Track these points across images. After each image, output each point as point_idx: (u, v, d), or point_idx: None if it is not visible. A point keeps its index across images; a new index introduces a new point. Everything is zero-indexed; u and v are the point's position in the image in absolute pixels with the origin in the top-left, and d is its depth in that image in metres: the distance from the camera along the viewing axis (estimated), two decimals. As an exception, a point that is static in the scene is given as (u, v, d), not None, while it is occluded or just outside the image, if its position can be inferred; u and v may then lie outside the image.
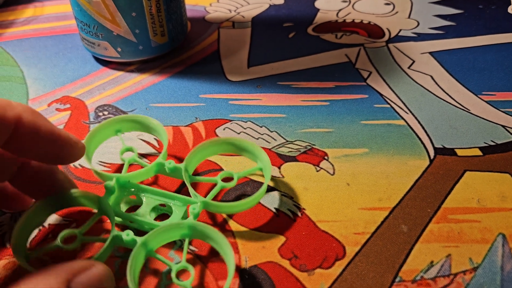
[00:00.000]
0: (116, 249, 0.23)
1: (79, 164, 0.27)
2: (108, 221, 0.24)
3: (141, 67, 0.35)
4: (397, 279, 0.21)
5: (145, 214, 0.23)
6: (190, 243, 0.23)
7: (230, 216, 0.24)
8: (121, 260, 0.22)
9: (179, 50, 0.36)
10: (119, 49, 0.33)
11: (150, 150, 0.28)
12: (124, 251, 0.23)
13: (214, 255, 0.22)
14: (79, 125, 0.30)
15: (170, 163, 0.24)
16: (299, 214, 0.24)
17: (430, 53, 0.35)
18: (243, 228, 0.23)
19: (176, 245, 0.23)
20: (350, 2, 0.42)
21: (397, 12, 0.41)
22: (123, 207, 0.24)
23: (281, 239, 0.23)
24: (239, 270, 0.22)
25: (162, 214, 0.24)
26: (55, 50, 0.37)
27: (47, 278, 0.18)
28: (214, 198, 0.24)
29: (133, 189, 0.24)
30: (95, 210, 0.23)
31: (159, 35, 0.33)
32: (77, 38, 0.39)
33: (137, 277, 0.20)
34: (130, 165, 0.26)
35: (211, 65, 0.35)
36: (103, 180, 0.24)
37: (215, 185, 0.24)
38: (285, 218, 0.24)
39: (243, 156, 0.26)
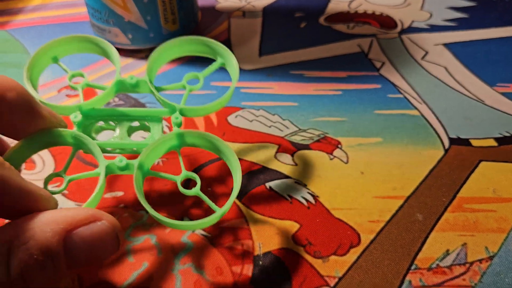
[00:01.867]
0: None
1: (90, 150, 0.27)
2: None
3: (152, 54, 0.34)
4: (413, 267, 0.21)
5: (123, 137, 0.22)
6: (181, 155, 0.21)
7: (244, 203, 0.24)
8: (133, 245, 0.22)
9: (190, 38, 0.36)
10: (129, 36, 0.33)
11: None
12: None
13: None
14: (90, 111, 0.30)
15: (132, 78, 0.22)
16: (313, 201, 0.24)
17: (444, 44, 0.35)
18: (256, 215, 0.23)
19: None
20: (361, -7, 0.42)
21: (409, 4, 0.40)
22: (95, 137, 0.22)
23: (295, 226, 0.23)
24: (253, 257, 0.21)
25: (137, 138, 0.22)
26: (64, 37, 0.37)
27: (43, 229, 0.16)
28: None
29: (100, 116, 0.22)
30: (67, 146, 0.21)
31: (171, 22, 0.33)
32: (85, 26, 0.38)
33: (143, 198, 0.19)
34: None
35: (222, 54, 0.34)
36: (64, 114, 0.22)
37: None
38: (299, 205, 0.24)
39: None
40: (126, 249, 0.22)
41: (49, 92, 0.31)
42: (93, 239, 0.16)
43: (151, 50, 0.34)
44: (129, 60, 0.34)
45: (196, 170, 0.25)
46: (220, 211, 0.18)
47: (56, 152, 0.27)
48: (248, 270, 0.21)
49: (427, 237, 0.22)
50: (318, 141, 0.27)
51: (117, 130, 0.22)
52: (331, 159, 0.26)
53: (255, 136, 0.27)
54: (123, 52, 0.35)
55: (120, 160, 0.20)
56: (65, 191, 0.24)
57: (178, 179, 0.20)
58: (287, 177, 0.25)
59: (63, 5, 0.41)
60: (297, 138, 0.27)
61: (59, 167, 0.26)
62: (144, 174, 0.20)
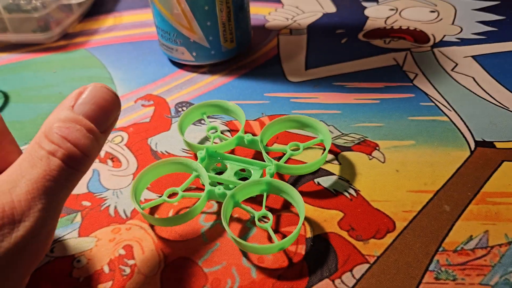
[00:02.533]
0: (202, 218, 0.28)
1: (165, 151, 0.32)
2: (199, 184, 0.30)
3: (212, 69, 0.40)
4: (440, 249, 0.25)
5: (229, 177, 0.28)
6: (267, 197, 0.28)
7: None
8: (206, 228, 0.27)
9: (245, 54, 0.41)
10: (194, 54, 0.38)
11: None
12: (208, 221, 0.27)
13: (285, 208, 0.28)
14: (163, 118, 0.35)
15: (249, 136, 0.30)
16: (355, 194, 0.28)
17: (473, 56, 0.39)
18: (307, 206, 0.28)
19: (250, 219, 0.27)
20: (397, 10, 0.46)
21: (441, 19, 0.44)
22: (211, 173, 0.29)
23: (340, 214, 0.27)
24: (305, 239, 0.26)
25: (242, 178, 0.29)
26: (135, 54, 0.43)
27: (59, 109, 0.20)
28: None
29: (219, 158, 0.30)
30: (191, 174, 0.28)
31: (229, 41, 0.38)
32: (153, 44, 0.44)
33: (228, 220, 0.25)
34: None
35: (273, 68, 0.39)
36: (193, 151, 0.31)
37: (284, 154, 0.30)
38: (343, 198, 0.28)
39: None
40: (201, 232, 0.27)
41: (128, 102, 0.37)
42: (97, 99, 0.21)
43: (212, 65, 0.40)
44: (193, 75, 0.39)
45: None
46: (280, 244, 0.24)
47: (138, 153, 0.32)
48: (301, 249, 0.26)
49: (453, 225, 0.26)
50: (358, 143, 0.32)
51: (228, 170, 0.29)
52: (370, 159, 0.30)
53: (305, 139, 0.32)
54: (188, 67, 0.40)
55: (219, 188, 0.26)
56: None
57: (256, 214, 0.26)
58: (332, 174, 0.30)
59: (133, 25, 0.48)
60: (340, 141, 0.32)
61: (141, 165, 0.31)
62: (234, 203, 0.26)
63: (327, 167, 0.30)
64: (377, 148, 0.31)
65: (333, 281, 0.24)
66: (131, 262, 0.26)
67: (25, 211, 0.18)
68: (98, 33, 0.47)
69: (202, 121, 0.34)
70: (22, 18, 0.45)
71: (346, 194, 0.28)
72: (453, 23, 0.43)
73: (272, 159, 0.28)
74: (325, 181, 0.29)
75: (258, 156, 0.31)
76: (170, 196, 0.27)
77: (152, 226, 0.27)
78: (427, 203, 0.27)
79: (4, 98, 0.39)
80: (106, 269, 0.25)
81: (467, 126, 0.32)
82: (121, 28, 0.48)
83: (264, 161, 0.29)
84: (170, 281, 0.24)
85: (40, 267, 0.26)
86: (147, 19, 0.49)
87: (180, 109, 0.36)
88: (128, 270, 0.25)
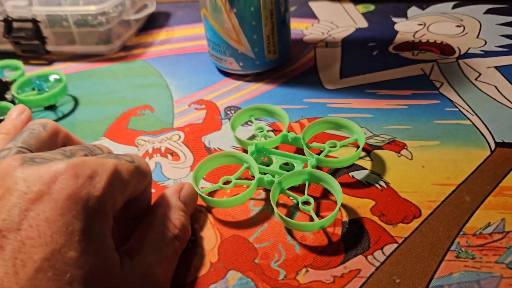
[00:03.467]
0: (252, 202, 0.32)
1: (217, 147, 0.37)
2: (249, 175, 0.34)
3: (256, 78, 0.45)
4: (461, 233, 0.29)
5: (275, 169, 0.33)
6: (308, 186, 0.32)
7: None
8: (255, 212, 0.32)
9: (286, 64, 0.46)
10: (241, 64, 0.43)
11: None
12: (257, 206, 0.32)
13: (324, 196, 0.32)
14: (214, 120, 0.40)
15: (292, 134, 0.34)
16: (385, 186, 0.32)
17: (496, 67, 0.42)
18: (343, 194, 0.32)
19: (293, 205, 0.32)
20: (425, 25, 0.50)
21: (467, 33, 0.48)
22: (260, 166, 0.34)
23: (372, 202, 0.31)
24: (341, 222, 0.30)
25: (286, 170, 0.33)
26: (187, 64, 0.48)
27: (172, 198, 0.29)
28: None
29: (266, 152, 0.34)
30: (241, 166, 0.33)
31: (272, 52, 0.43)
32: (203, 55, 0.49)
33: (275, 203, 0.30)
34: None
35: (311, 77, 0.44)
36: (244, 147, 0.35)
37: (322, 151, 0.34)
38: (375, 189, 0.32)
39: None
40: (251, 215, 0.31)
41: (183, 106, 0.42)
42: (190, 193, 0.30)
43: (256, 74, 0.45)
44: (239, 83, 0.44)
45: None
46: (320, 222, 0.28)
47: (194, 149, 0.37)
48: (338, 230, 0.30)
49: (473, 213, 0.30)
50: (388, 143, 0.35)
51: (273, 164, 0.33)
52: (399, 156, 0.34)
53: (338, 138, 0.36)
54: (234, 76, 0.45)
55: (267, 177, 0.31)
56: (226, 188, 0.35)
57: (300, 199, 0.30)
58: (365, 169, 0.34)
59: (184, 38, 0.53)
60: (372, 141, 0.36)
61: (197, 159, 0.36)
62: (280, 189, 0.31)
63: (360, 162, 0.34)
64: (405, 147, 0.35)
65: (366, 257, 0.28)
66: (192, 238, 0.30)
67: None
68: (153, 45, 0.53)
69: (249, 123, 0.39)
70: (88, 31, 0.51)
71: (377, 185, 0.32)
72: (477, 37, 0.47)
73: (313, 154, 0.33)
74: (359, 175, 0.33)
75: (299, 152, 0.35)
76: (224, 183, 0.32)
77: (209, 210, 0.32)
78: (450, 194, 0.31)
79: (74, 102, 0.45)
80: (171, 243, 0.30)
81: (488, 129, 0.36)
82: (174, 41, 0.53)
83: (306, 156, 0.33)
84: (226, 254, 0.29)
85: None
86: (196, 33, 0.54)
87: (229, 112, 0.41)
88: (190, 244, 0.30)
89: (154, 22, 0.58)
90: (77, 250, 0.20)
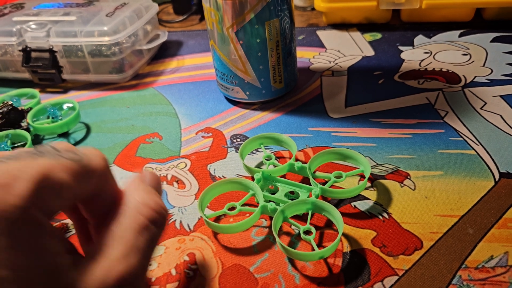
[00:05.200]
0: (254, 232, 0.32)
1: (222, 175, 0.38)
2: (254, 202, 0.34)
3: (262, 106, 0.45)
4: (463, 266, 0.28)
5: (280, 197, 0.33)
6: (312, 216, 0.32)
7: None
8: (257, 241, 0.32)
9: (291, 93, 0.47)
10: (247, 93, 0.44)
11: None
12: (258, 235, 0.32)
13: (327, 226, 0.32)
14: (220, 148, 0.41)
15: (298, 164, 0.35)
16: (387, 217, 0.32)
17: (501, 96, 0.42)
18: (345, 225, 0.32)
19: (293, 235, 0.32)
20: (431, 53, 0.50)
21: (473, 61, 0.48)
22: (265, 193, 0.34)
23: (373, 233, 0.31)
24: (342, 253, 0.30)
25: (291, 199, 0.34)
26: (196, 93, 0.50)
27: (139, 184, 0.25)
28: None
29: (272, 180, 0.35)
30: (247, 193, 0.34)
31: (278, 82, 0.44)
32: (211, 84, 0.51)
33: (277, 231, 0.30)
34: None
35: (316, 105, 0.44)
36: (251, 174, 0.36)
37: (326, 181, 0.34)
38: (376, 219, 0.32)
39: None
40: (253, 244, 0.32)
41: (190, 134, 0.43)
42: (153, 176, 0.26)
43: (262, 103, 0.46)
44: (246, 111, 0.45)
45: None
46: (320, 252, 0.28)
47: (199, 177, 0.38)
48: (339, 261, 0.30)
49: (476, 245, 0.29)
50: (392, 173, 0.36)
51: (279, 192, 0.34)
52: (401, 186, 0.34)
53: (343, 168, 0.36)
54: (241, 104, 0.46)
55: (271, 204, 0.32)
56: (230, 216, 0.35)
57: (302, 228, 0.30)
58: (367, 199, 0.34)
59: (194, 67, 0.55)
60: (375, 171, 0.36)
61: (202, 187, 0.37)
62: (283, 218, 0.31)
63: (363, 192, 0.34)
64: (408, 177, 0.35)
65: (366, 289, 0.28)
66: (194, 266, 0.31)
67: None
68: (164, 74, 0.54)
69: (255, 151, 0.40)
70: (102, 61, 0.52)
71: (380, 216, 0.32)
72: (484, 65, 0.47)
73: (318, 184, 0.33)
74: (361, 205, 0.33)
75: (305, 181, 0.36)
76: (229, 209, 0.32)
77: (212, 238, 0.32)
78: (453, 226, 0.31)
79: (86, 129, 0.46)
80: (173, 271, 0.30)
81: (492, 159, 0.35)
82: (184, 70, 0.55)
83: (311, 185, 0.34)
84: (226, 284, 0.29)
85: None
86: (206, 62, 0.56)
87: (235, 140, 0.41)
88: (191, 273, 0.30)
89: (166, 50, 0.60)
90: (8, 268, 0.18)
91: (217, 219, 0.34)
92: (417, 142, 0.38)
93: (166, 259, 0.31)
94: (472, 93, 0.43)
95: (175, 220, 0.34)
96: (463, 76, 0.46)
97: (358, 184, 0.35)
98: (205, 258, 0.31)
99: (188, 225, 0.34)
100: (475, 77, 0.45)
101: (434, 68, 0.47)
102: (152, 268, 0.31)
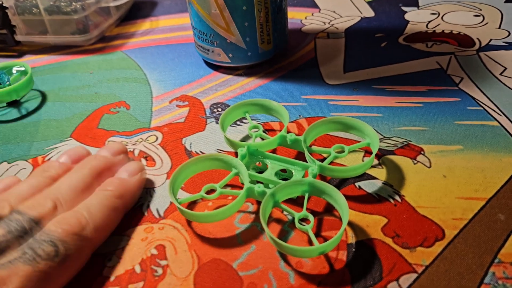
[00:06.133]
0: (237, 220, 0.26)
1: (200, 151, 0.32)
2: (238, 182, 0.29)
3: (248, 71, 0.39)
4: (496, 260, 0.23)
5: (269, 177, 0.27)
6: (308, 199, 0.26)
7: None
8: (242, 230, 0.26)
9: (281, 57, 0.40)
10: (230, 55, 0.38)
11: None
12: (244, 223, 0.26)
13: (327, 212, 0.26)
14: (197, 119, 0.35)
15: (291, 136, 0.29)
16: (399, 199, 0.27)
17: (523, 61, 0.37)
18: (351, 211, 0.26)
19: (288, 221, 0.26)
20: (439, 14, 0.44)
21: (487, 23, 0.42)
22: (251, 171, 0.28)
23: (384, 220, 0.26)
24: (346, 245, 0.25)
25: (283, 178, 0.28)
26: (171, 56, 0.43)
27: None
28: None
29: (260, 156, 0.28)
30: (230, 171, 0.28)
31: (266, 42, 0.37)
32: (189, 46, 0.44)
33: (266, 219, 0.24)
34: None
35: (310, 70, 0.38)
36: (234, 149, 0.30)
37: (325, 157, 0.29)
38: (386, 203, 0.26)
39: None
40: (237, 233, 0.26)
41: (162, 103, 0.37)
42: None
43: (248, 67, 0.39)
44: (229, 77, 0.39)
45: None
46: (321, 247, 0.23)
47: (172, 153, 0.32)
48: (343, 255, 0.24)
49: (509, 235, 0.24)
50: (402, 147, 0.30)
51: (268, 170, 0.28)
52: (414, 163, 0.29)
53: (344, 142, 0.31)
54: (223, 69, 0.40)
55: (259, 186, 0.25)
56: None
57: (297, 215, 0.24)
58: (374, 178, 0.28)
59: (170, 29, 0.48)
60: (382, 145, 0.30)
61: (175, 165, 0.31)
62: (273, 203, 0.25)
63: (369, 171, 0.29)
64: (422, 152, 0.29)
65: (377, 290, 0.22)
66: (163, 262, 0.25)
67: None
68: (135, 36, 0.47)
69: (239, 122, 0.34)
70: (62, 20, 0.45)
71: (390, 199, 0.27)
72: (499, 27, 0.41)
73: (316, 160, 0.27)
74: (367, 185, 0.28)
75: (299, 157, 0.30)
76: (208, 192, 0.26)
77: (186, 226, 0.26)
78: (479, 210, 0.25)
79: (41, 97, 0.40)
80: (137, 269, 0.24)
81: (519, 132, 0.30)
82: (158, 32, 0.48)
83: (307, 162, 0.28)
84: (203, 284, 0.23)
85: (72, 264, 0.25)
86: (184, 23, 0.49)
87: (215, 110, 0.35)
88: (160, 270, 0.24)
89: (138, 11, 0.53)
90: None
91: (193, 203, 0.28)
92: (430, 112, 0.33)
93: (129, 253, 0.25)
94: (489, 58, 0.37)
95: (142, 204, 0.28)
96: (477, 39, 0.40)
97: (363, 160, 0.29)
98: (178, 251, 0.25)
99: (157, 211, 0.28)
100: (491, 40, 0.40)
101: (443, 30, 0.42)
102: (112, 264, 0.25)
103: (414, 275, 0.23)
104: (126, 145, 0.33)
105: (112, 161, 0.29)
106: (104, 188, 0.27)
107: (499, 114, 0.32)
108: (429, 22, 0.43)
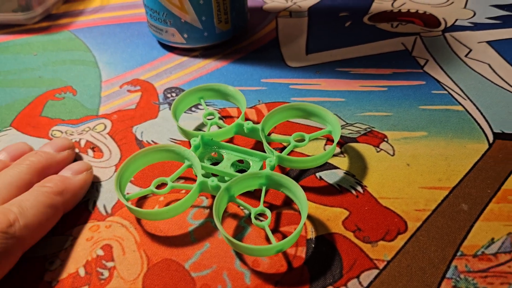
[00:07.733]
0: (191, 216, 0.25)
1: (152, 140, 0.29)
2: (192, 174, 0.27)
3: (205, 53, 0.37)
4: (458, 253, 0.22)
5: (225, 169, 0.25)
6: (266, 192, 0.25)
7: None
8: (195, 226, 0.24)
9: (240, 37, 0.38)
10: (185, 36, 0.35)
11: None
12: (197, 219, 0.25)
13: (286, 205, 0.25)
14: (150, 105, 0.32)
15: (249, 124, 0.27)
16: (361, 190, 0.25)
17: (488, 42, 0.36)
18: (309, 203, 0.25)
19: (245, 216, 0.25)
20: (404, -8, 0.43)
21: (452, 3, 0.41)
22: (206, 164, 0.26)
23: (345, 213, 0.24)
24: (306, 240, 0.23)
25: (240, 170, 0.26)
26: (122, 36, 0.40)
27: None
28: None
29: (215, 147, 0.27)
30: (182, 163, 0.26)
31: (223, 22, 0.35)
32: (142, 26, 0.41)
33: (220, 216, 0.23)
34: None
35: (271, 52, 0.36)
36: (187, 139, 0.28)
37: (285, 146, 0.27)
38: (348, 194, 0.25)
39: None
40: (189, 230, 0.24)
41: (113, 88, 0.34)
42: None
43: (204, 49, 0.37)
44: (184, 59, 0.36)
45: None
46: (279, 245, 0.21)
47: (121, 143, 0.29)
48: (302, 252, 0.23)
49: (472, 226, 0.23)
50: (365, 134, 0.29)
51: (224, 161, 0.26)
52: (377, 151, 0.27)
53: (306, 129, 0.29)
54: (178, 51, 0.37)
55: (212, 180, 0.23)
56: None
57: (253, 210, 0.23)
58: (336, 168, 0.27)
59: (121, 6, 0.44)
60: (344, 132, 0.29)
61: (125, 156, 0.28)
62: (228, 197, 0.23)
63: (331, 160, 0.27)
64: (386, 139, 0.28)
65: (337, 289, 0.21)
66: (110, 264, 0.23)
67: None
68: (84, 14, 0.44)
69: (194, 109, 0.31)
70: (1, -4, 0.41)
71: (352, 190, 0.25)
72: (465, 7, 0.40)
73: (274, 150, 0.25)
74: (328, 176, 0.26)
75: (258, 146, 0.28)
76: (158, 187, 0.24)
77: (135, 223, 0.24)
78: (442, 201, 0.24)
79: (-22, 82, 0.36)
80: (81, 272, 0.22)
81: (484, 117, 0.29)
82: (108, 10, 0.44)
83: (265, 152, 0.26)
84: (153, 286, 0.22)
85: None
86: (137, 0, 0.45)
87: (169, 95, 0.33)
88: (106, 273, 0.22)
89: (88, -13, 0.49)
90: None
91: (144, 198, 0.26)
92: (394, 96, 0.31)
93: (73, 255, 0.23)
94: (455, 39, 0.36)
95: (88, 199, 0.26)
96: (443, 19, 0.39)
97: (325, 149, 0.28)
98: (126, 252, 0.23)
99: (104, 207, 0.25)
100: (457, 20, 0.39)
101: (409, 10, 0.40)
102: (53, 268, 0.23)
103: (376, 271, 0.22)
104: (72, 134, 0.30)
105: (54, 157, 0.26)
106: (42, 184, 0.24)
107: (463, 98, 0.31)
108: (395, 1, 0.42)
